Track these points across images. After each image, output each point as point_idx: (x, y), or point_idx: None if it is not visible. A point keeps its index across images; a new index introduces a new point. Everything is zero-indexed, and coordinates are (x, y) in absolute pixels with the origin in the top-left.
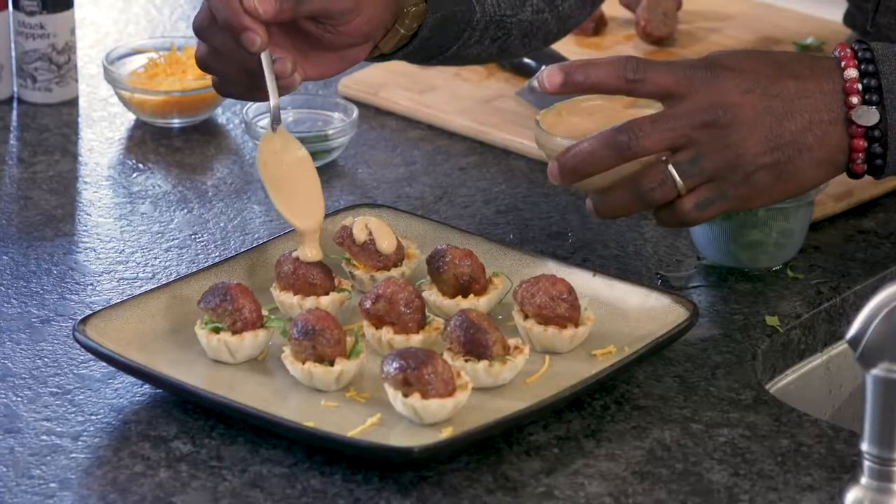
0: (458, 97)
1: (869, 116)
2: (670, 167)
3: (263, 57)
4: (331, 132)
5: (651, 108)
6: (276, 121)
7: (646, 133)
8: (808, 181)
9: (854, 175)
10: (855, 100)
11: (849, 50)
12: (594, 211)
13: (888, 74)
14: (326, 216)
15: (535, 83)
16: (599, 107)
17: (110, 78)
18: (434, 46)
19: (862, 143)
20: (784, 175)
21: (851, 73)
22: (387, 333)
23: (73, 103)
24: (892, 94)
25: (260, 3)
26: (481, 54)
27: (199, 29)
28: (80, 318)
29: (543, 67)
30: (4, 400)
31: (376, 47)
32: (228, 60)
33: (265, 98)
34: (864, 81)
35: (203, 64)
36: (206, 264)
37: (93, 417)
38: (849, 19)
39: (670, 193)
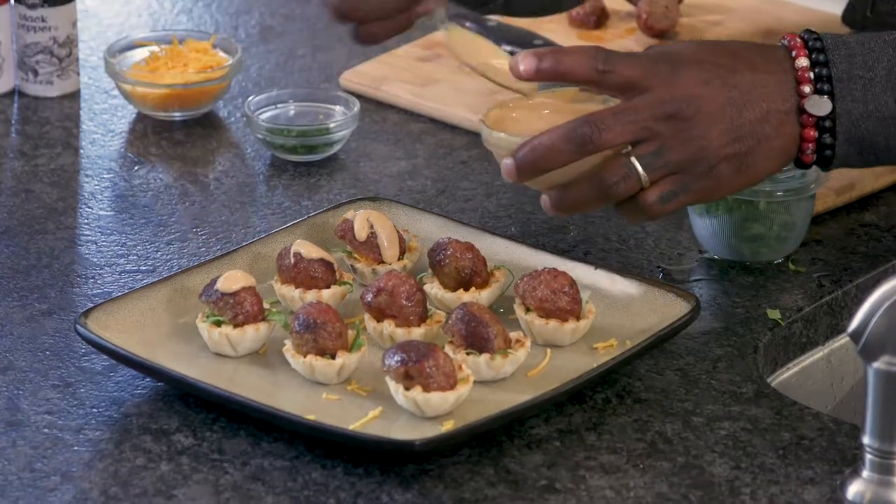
0: (460, 90)
1: (821, 106)
2: (633, 160)
3: None
4: (332, 125)
5: (592, 102)
6: (442, 21)
7: (608, 126)
8: (762, 172)
9: (803, 165)
10: (807, 89)
11: (798, 39)
12: (552, 207)
13: (838, 63)
14: (328, 209)
15: None
16: (543, 103)
17: (112, 71)
18: None
19: (812, 133)
20: (743, 166)
21: (802, 62)
22: (388, 326)
23: (74, 96)
24: (842, 83)
25: None
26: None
27: None
28: (81, 310)
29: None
30: (6, 393)
31: None
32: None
33: (411, 19)
34: (816, 70)
35: (340, 13)
36: (207, 257)
37: (94, 410)
38: (848, 16)
39: (634, 187)
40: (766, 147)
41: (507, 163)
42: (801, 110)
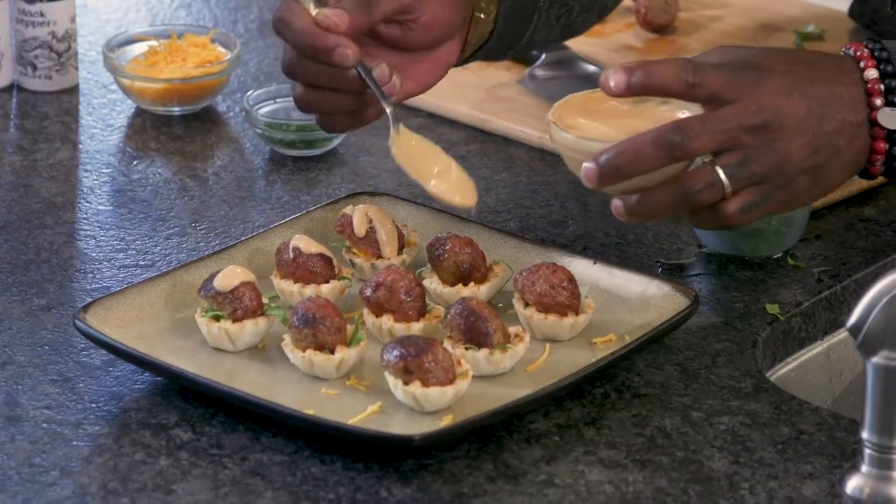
0: (459, 86)
1: (893, 119)
2: (718, 169)
3: (361, 70)
4: None
5: (652, 102)
6: (397, 120)
7: (697, 134)
8: (834, 184)
9: (870, 176)
10: (878, 101)
11: (865, 50)
12: (627, 212)
13: None
14: (327, 204)
15: (535, 72)
16: (609, 107)
17: (110, 66)
18: (508, 36)
19: (883, 146)
20: (819, 178)
21: (872, 73)
22: (387, 321)
23: (73, 91)
24: None
25: (333, 16)
26: (549, 35)
27: (290, 70)
28: (80, 305)
29: (545, 55)
30: (5, 388)
31: (466, 44)
32: (328, 92)
33: (372, 116)
34: (886, 82)
35: (305, 105)
36: (206, 252)
37: (93, 405)
38: (856, 9)
39: (717, 196)
40: (840, 159)
41: (588, 167)
42: (872, 122)
